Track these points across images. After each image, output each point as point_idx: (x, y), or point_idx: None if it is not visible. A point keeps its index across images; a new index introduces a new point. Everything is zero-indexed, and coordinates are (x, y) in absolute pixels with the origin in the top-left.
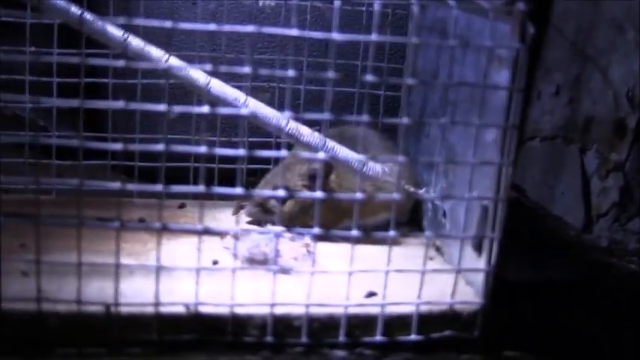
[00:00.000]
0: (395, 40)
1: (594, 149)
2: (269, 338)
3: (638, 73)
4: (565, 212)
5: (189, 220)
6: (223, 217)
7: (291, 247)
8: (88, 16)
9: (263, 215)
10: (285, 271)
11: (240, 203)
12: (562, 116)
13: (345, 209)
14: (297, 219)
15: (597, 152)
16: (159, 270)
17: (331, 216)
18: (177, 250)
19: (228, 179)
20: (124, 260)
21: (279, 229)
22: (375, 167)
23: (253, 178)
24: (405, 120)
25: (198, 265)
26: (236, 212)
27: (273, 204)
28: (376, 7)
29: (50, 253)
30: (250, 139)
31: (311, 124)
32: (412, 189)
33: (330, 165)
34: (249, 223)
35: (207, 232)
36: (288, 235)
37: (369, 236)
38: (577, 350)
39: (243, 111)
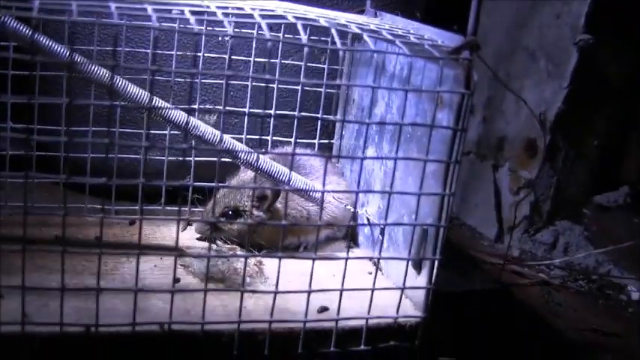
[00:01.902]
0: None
1: (506, 166)
2: (237, 352)
3: (549, 99)
4: (479, 223)
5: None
6: (173, 234)
7: (242, 264)
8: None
9: (213, 233)
10: (243, 289)
11: (189, 219)
12: (476, 134)
13: (291, 227)
14: (245, 237)
15: (509, 169)
16: (136, 293)
17: (277, 234)
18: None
19: (173, 197)
20: (88, 279)
21: (232, 247)
22: (317, 189)
23: (201, 195)
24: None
25: (172, 287)
26: (184, 229)
27: (223, 222)
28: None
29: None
30: (197, 159)
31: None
32: (351, 208)
33: (278, 189)
34: (199, 239)
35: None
36: (240, 252)
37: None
38: (501, 352)
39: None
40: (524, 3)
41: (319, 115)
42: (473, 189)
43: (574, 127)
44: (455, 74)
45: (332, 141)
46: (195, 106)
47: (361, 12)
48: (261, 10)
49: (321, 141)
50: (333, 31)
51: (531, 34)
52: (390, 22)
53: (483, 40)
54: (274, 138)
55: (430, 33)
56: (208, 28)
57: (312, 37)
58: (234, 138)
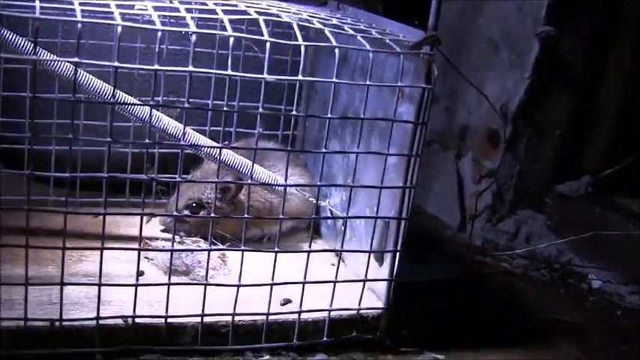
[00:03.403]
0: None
1: (469, 156)
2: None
3: (511, 89)
4: (441, 212)
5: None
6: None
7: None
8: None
9: (176, 225)
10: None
11: (152, 212)
12: (439, 123)
13: (255, 219)
14: (208, 229)
15: (472, 159)
16: (100, 288)
17: (240, 226)
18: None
19: (138, 187)
20: (53, 270)
21: (196, 239)
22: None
23: (164, 187)
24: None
25: (136, 282)
26: (148, 221)
27: (187, 213)
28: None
29: None
30: (161, 151)
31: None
32: (313, 199)
33: (242, 181)
34: (163, 231)
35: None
36: (203, 244)
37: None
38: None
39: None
40: None
41: (282, 109)
42: (435, 178)
43: (536, 118)
44: (416, 68)
45: (295, 132)
46: (159, 99)
47: (324, 4)
48: (224, 5)
49: (285, 132)
50: (295, 26)
51: (493, 25)
52: (352, 16)
53: (443, 29)
54: (238, 130)
55: (392, 27)
56: (171, 21)
57: (276, 30)
58: (197, 129)
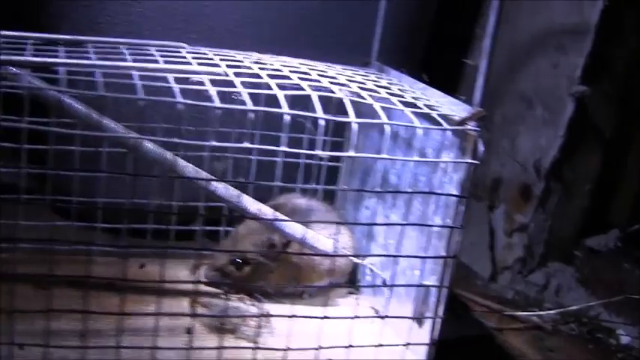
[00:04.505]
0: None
1: (501, 208)
2: None
3: (544, 146)
4: (472, 261)
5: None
6: (182, 277)
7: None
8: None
9: (220, 279)
10: (254, 340)
11: (197, 263)
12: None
13: (296, 275)
14: (252, 284)
15: (504, 211)
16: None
17: (284, 282)
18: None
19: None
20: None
21: (240, 296)
22: (321, 240)
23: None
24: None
25: (189, 345)
26: (193, 272)
27: (231, 269)
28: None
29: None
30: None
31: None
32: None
33: (287, 239)
34: (207, 285)
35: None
36: (248, 302)
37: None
38: None
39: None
40: (520, 49)
41: (320, 187)
42: (468, 227)
43: (567, 174)
44: (461, 142)
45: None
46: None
47: (366, 64)
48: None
49: (325, 187)
50: (347, 102)
51: (528, 80)
52: (396, 82)
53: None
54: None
55: (436, 97)
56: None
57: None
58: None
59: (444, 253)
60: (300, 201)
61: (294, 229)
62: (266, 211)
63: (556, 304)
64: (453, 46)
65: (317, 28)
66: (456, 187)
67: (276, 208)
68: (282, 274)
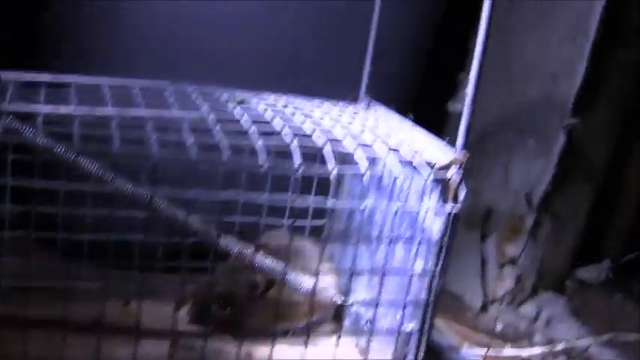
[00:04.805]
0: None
1: (493, 238)
2: None
3: (536, 177)
4: (463, 291)
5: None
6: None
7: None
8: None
9: (204, 317)
10: None
11: (180, 301)
12: (464, 203)
13: (281, 314)
14: (236, 323)
15: (495, 242)
16: None
17: (267, 321)
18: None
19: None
20: None
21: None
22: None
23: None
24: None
25: None
26: (177, 310)
27: (215, 308)
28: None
29: None
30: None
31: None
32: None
33: (271, 278)
34: (190, 322)
35: None
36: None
37: None
38: None
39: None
40: (514, 78)
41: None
42: (459, 256)
43: (559, 206)
44: (442, 189)
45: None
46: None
47: (356, 99)
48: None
49: (313, 223)
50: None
51: (521, 111)
52: (382, 120)
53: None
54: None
55: (422, 139)
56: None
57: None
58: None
59: (424, 297)
60: (285, 240)
61: (276, 268)
62: (249, 250)
63: (546, 336)
64: (442, 83)
65: (308, 61)
66: (438, 229)
67: (260, 247)
68: (265, 314)
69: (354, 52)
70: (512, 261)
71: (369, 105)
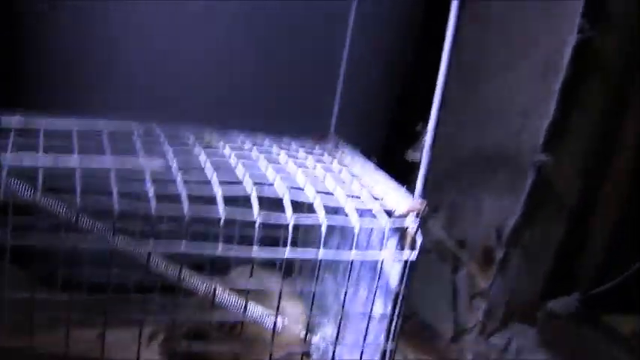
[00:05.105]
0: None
1: (465, 270)
2: None
3: (507, 210)
4: (435, 321)
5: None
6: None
7: None
8: None
9: (174, 352)
10: None
11: (153, 334)
12: (437, 234)
13: (250, 350)
14: (206, 359)
15: (467, 273)
16: None
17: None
18: None
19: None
20: None
21: None
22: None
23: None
24: None
25: None
26: (152, 339)
27: (185, 343)
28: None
29: None
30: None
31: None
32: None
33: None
34: (160, 356)
35: None
36: None
37: None
38: None
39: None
40: (484, 116)
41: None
42: (432, 286)
43: (529, 240)
44: (400, 236)
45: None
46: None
47: (324, 137)
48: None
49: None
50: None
51: (491, 145)
52: (347, 162)
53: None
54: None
55: (383, 185)
56: None
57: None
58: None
59: (383, 339)
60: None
61: (244, 305)
62: (216, 287)
63: None
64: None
65: (278, 100)
66: (397, 274)
67: (228, 282)
68: (233, 349)
69: (325, 91)
70: (483, 294)
71: (337, 145)
